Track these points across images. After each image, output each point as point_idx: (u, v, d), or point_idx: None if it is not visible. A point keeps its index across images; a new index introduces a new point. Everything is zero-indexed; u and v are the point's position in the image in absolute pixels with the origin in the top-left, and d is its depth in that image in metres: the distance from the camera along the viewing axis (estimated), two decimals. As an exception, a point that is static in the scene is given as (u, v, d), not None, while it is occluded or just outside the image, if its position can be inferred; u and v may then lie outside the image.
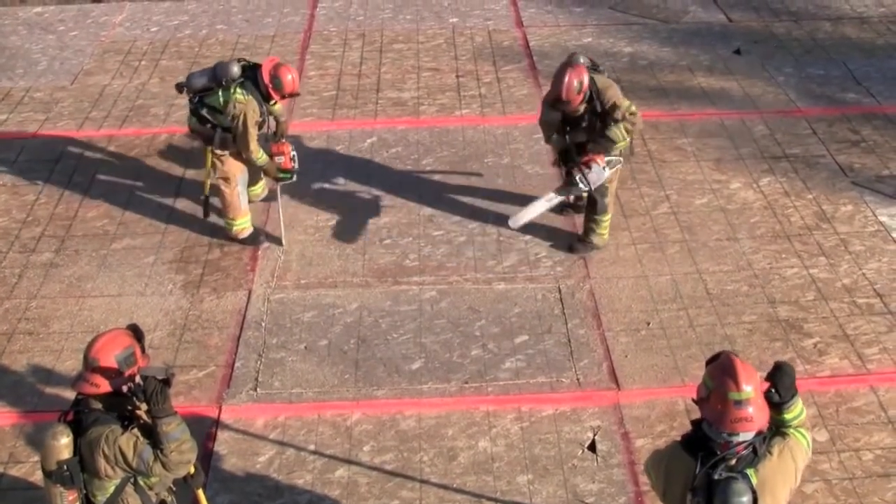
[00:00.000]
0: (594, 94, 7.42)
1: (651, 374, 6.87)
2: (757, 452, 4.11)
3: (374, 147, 9.59)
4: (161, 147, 9.67)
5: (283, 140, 8.14)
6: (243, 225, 8.18)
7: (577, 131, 7.70)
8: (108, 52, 11.74)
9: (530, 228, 8.21)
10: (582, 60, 7.48)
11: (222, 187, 7.99)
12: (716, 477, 4.04)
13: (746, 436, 4.08)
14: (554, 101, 7.47)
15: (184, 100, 10.06)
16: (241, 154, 7.82)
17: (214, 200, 8.30)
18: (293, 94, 7.81)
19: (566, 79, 7.24)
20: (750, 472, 4.07)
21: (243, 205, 8.11)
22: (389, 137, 9.77)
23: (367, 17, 12.58)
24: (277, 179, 8.09)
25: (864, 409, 6.54)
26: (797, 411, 4.31)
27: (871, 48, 11.44)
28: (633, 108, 7.51)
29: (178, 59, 11.47)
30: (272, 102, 7.85)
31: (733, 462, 4.08)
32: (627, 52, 11.44)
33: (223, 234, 8.32)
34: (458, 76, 10.95)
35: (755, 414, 4.04)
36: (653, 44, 11.70)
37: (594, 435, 6.39)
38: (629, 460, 6.19)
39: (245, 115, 7.57)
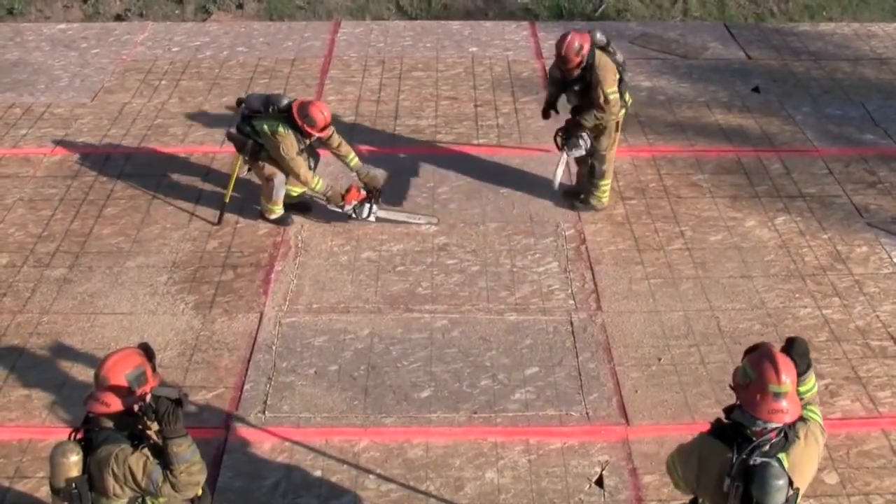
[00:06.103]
0: (590, 67, 8.22)
1: (661, 410, 6.84)
2: (787, 438, 4.32)
3: (390, 173, 9.62)
4: (178, 167, 9.72)
5: (361, 190, 8.63)
6: (274, 210, 8.81)
7: (570, 93, 8.57)
8: (129, 71, 11.83)
9: (543, 258, 8.27)
10: (598, 36, 8.36)
11: (266, 183, 8.63)
12: (752, 463, 4.24)
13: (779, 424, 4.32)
14: (556, 61, 8.35)
15: (202, 121, 10.36)
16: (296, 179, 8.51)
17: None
18: (328, 126, 8.28)
19: (569, 38, 8.13)
20: (782, 456, 4.28)
21: (279, 199, 8.72)
22: (406, 164, 9.80)
23: (387, 43, 12.66)
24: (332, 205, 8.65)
25: (875, 453, 6.49)
26: (810, 384, 4.58)
27: (889, 90, 11.45)
28: (613, 97, 8.30)
29: (198, 80, 11.55)
30: (312, 138, 8.31)
31: (766, 448, 4.28)
32: (646, 87, 11.47)
33: (237, 255, 8.39)
34: (476, 106, 10.99)
35: (789, 407, 4.28)
36: (672, 79, 11.73)
37: (602, 470, 6.36)
38: (636, 496, 6.15)
39: (286, 147, 8.19)
